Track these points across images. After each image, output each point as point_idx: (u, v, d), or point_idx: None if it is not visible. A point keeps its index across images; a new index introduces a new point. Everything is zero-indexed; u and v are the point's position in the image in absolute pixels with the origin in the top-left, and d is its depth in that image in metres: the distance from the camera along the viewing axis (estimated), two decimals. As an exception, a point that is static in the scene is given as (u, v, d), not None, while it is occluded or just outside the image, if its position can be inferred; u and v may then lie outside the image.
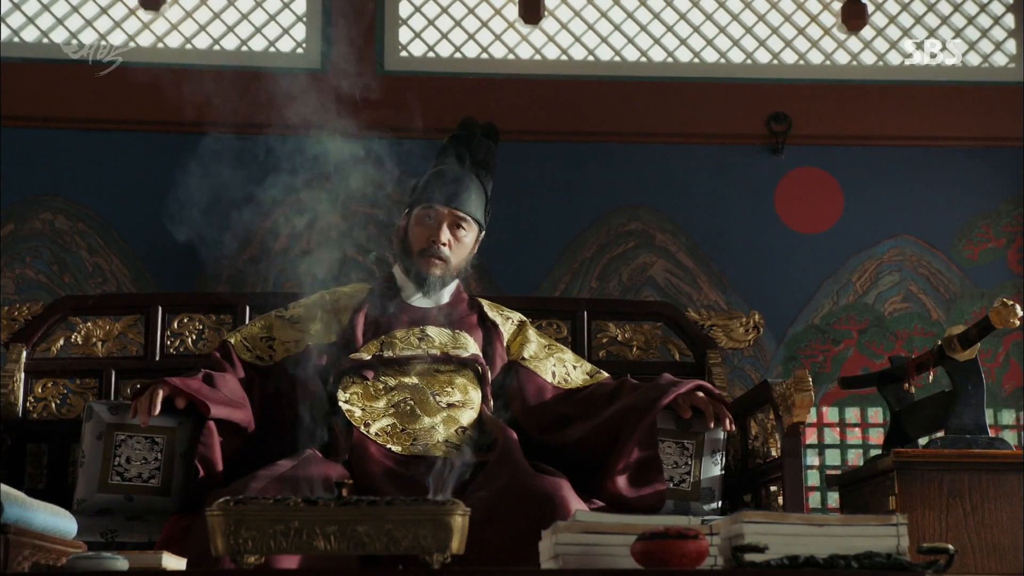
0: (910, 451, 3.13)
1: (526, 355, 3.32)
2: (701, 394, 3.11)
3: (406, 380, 3.11)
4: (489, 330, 3.34)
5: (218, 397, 3.01)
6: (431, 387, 3.11)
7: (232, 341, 3.25)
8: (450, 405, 3.09)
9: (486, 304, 3.44)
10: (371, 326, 3.24)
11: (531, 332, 3.41)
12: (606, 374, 3.34)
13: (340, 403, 3.08)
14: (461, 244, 3.30)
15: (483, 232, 3.38)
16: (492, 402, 3.20)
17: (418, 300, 3.31)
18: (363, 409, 3.07)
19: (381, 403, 3.08)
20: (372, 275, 3.62)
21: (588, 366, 3.38)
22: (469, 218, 3.30)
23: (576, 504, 2.71)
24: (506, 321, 3.41)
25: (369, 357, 3.14)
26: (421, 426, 3.03)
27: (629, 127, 4.41)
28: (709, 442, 3.13)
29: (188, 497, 2.92)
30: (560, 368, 3.32)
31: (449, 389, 3.12)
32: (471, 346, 3.24)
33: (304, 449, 2.94)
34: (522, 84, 4.40)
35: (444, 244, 3.26)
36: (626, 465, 2.99)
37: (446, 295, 3.35)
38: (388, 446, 3.00)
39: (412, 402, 3.07)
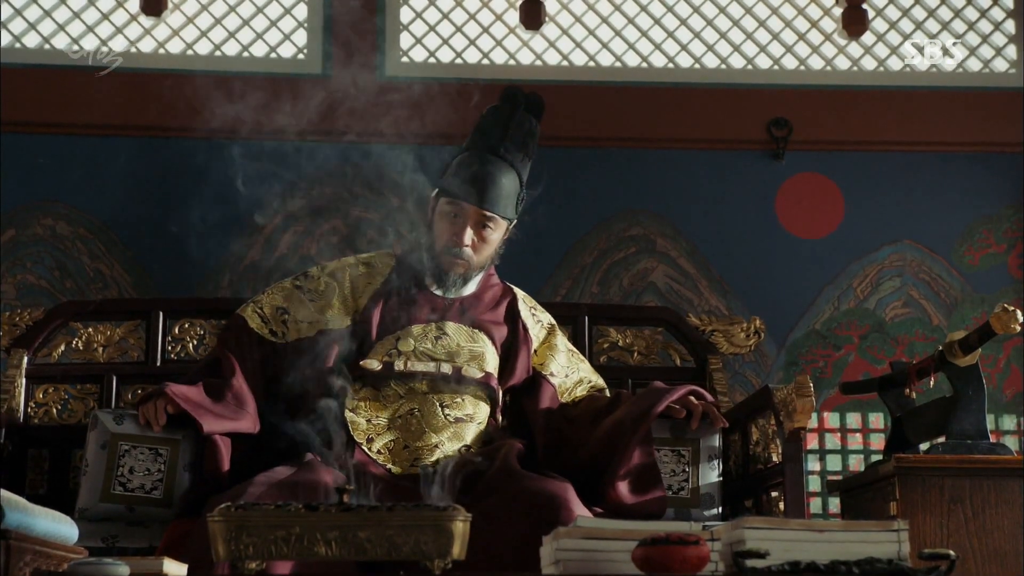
0: (911, 457, 3.12)
1: (554, 370, 3.24)
2: (692, 398, 3.11)
3: (416, 386, 3.06)
4: (517, 332, 3.24)
5: (218, 409, 2.97)
6: (441, 398, 3.05)
7: (246, 315, 3.17)
8: (457, 420, 3.04)
9: (521, 299, 3.31)
10: (389, 315, 3.12)
11: (559, 339, 3.31)
12: (608, 395, 3.30)
13: (347, 411, 3.03)
14: (487, 243, 3.15)
15: (514, 222, 3.23)
16: (501, 418, 3.17)
17: (441, 290, 3.18)
18: (368, 420, 3.03)
19: (387, 413, 3.03)
20: (401, 238, 3.44)
21: (598, 381, 3.33)
22: (497, 216, 3.14)
23: (579, 508, 2.70)
24: (536, 324, 3.30)
25: (379, 367, 3.06)
26: (424, 443, 3.00)
27: (630, 132, 4.41)
28: (705, 448, 3.13)
29: (191, 501, 2.92)
30: (574, 378, 3.27)
31: (459, 400, 3.07)
32: (488, 354, 3.14)
33: (304, 453, 2.92)
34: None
35: (467, 245, 3.12)
36: (626, 472, 2.99)
37: (472, 286, 3.22)
38: (388, 466, 2.97)
39: (419, 414, 3.02)
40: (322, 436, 2.93)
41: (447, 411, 3.04)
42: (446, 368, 3.07)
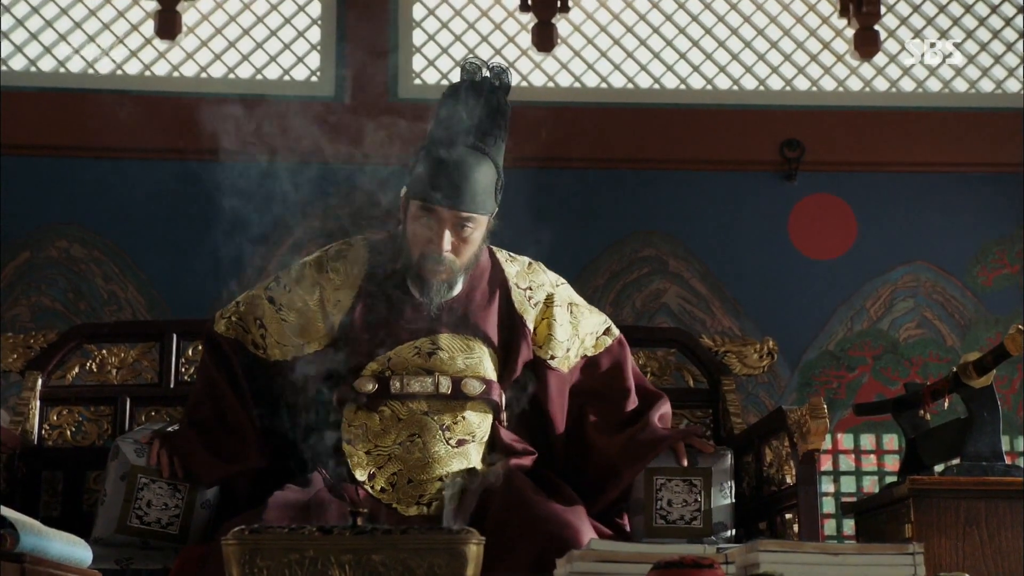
0: (926, 478, 3.10)
1: (555, 352, 3.01)
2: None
3: (415, 406, 2.88)
4: (515, 327, 2.99)
5: (219, 447, 2.90)
6: (441, 419, 2.88)
7: (220, 329, 3.01)
8: (460, 442, 2.89)
9: (513, 284, 3.03)
10: (375, 327, 2.88)
11: (556, 308, 3.03)
12: (616, 332, 3.15)
13: (344, 443, 2.88)
14: (468, 243, 2.86)
15: (496, 211, 2.93)
16: (505, 416, 3.01)
17: (426, 299, 2.91)
18: (367, 452, 2.87)
19: (387, 440, 2.87)
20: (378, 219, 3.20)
21: (600, 326, 3.14)
22: (476, 215, 2.85)
23: (589, 533, 2.68)
24: (534, 307, 3.03)
25: (374, 387, 2.87)
26: (429, 476, 2.85)
27: (642, 154, 4.42)
28: (717, 472, 3.11)
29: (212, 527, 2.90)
30: (576, 345, 3.08)
31: (461, 417, 2.90)
32: (485, 360, 2.95)
33: (312, 472, 2.84)
34: (535, 111, 4.41)
35: (447, 251, 2.84)
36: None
37: (459, 286, 2.94)
38: (393, 505, 2.83)
39: (420, 441, 2.85)
40: (322, 462, 2.84)
41: (449, 435, 2.88)
42: (444, 385, 2.88)
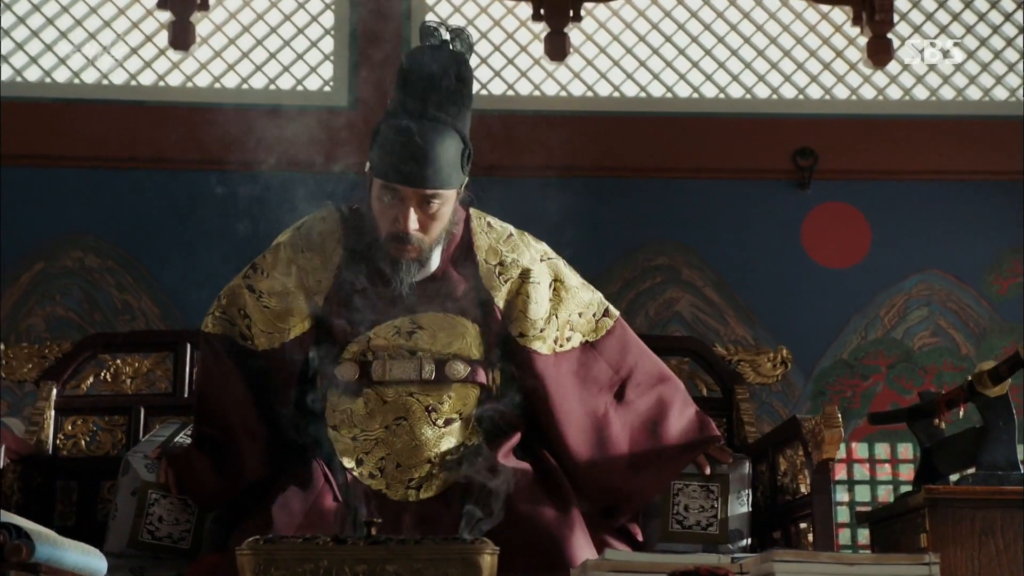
0: (941, 488, 3.09)
1: (528, 332, 2.85)
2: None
3: (400, 389, 2.78)
4: (490, 310, 2.86)
5: (223, 469, 2.86)
6: (427, 401, 2.78)
7: (208, 327, 2.93)
8: (448, 421, 2.79)
9: (482, 258, 2.88)
10: (354, 308, 2.78)
11: (531, 286, 2.88)
12: (615, 313, 3.03)
13: (329, 428, 2.81)
14: (436, 219, 2.73)
15: (465, 180, 2.79)
16: (496, 383, 2.89)
17: (398, 279, 2.79)
18: (353, 437, 2.78)
19: (374, 424, 2.78)
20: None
21: (595, 309, 3.00)
22: (441, 191, 2.71)
23: (583, 547, 2.63)
24: (504, 283, 2.88)
25: (355, 374, 2.78)
26: (417, 460, 2.76)
27: (655, 163, 4.42)
28: (735, 480, 3.11)
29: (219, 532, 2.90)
30: (553, 326, 2.94)
31: (447, 397, 2.80)
32: (468, 337, 2.83)
33: (308, 462, 2.78)
34: (548, 121, 4.42)
35: (414, 230, 2.72)
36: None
37: (435, 262, 2.83)
38: (383, 491, 2.75)
39: (407, 424, 2.76)
40: (312, 450, 2.80)
41: (435, 416, 2.78)
42: (428, 370, 2.78)
